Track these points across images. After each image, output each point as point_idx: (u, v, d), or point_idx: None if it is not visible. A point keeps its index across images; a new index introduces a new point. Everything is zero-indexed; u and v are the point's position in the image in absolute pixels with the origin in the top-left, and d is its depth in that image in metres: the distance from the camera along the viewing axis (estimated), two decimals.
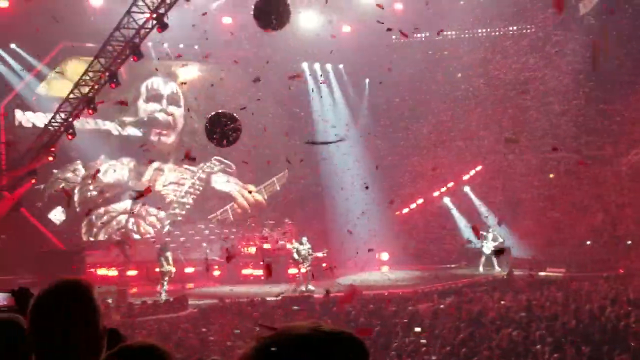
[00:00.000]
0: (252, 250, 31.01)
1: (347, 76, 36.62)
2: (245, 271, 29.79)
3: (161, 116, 33.21)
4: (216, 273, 29.85)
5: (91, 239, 31.07)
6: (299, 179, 33.73)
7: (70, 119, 24.54)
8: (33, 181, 27.26)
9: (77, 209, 31.00)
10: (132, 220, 31.92)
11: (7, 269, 25.16)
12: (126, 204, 31.72)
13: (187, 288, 27.02)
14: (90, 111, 23.80)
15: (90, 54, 30.24)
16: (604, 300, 18.21)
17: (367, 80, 36.41)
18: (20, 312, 3.67)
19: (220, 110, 17.34)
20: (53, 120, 25.09)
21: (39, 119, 29.44)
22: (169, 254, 25.23)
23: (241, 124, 15.78)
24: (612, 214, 30.37)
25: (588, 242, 29.71)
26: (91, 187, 30.91)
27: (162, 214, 32.65)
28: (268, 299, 23.14)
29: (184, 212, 33.39)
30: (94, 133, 30.86)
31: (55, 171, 28.04)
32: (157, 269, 25.41)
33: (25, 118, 30.42)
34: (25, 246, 26.78)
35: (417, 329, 15.78)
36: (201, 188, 33.81)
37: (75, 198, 30.80)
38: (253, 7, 14.74)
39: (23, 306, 3.70)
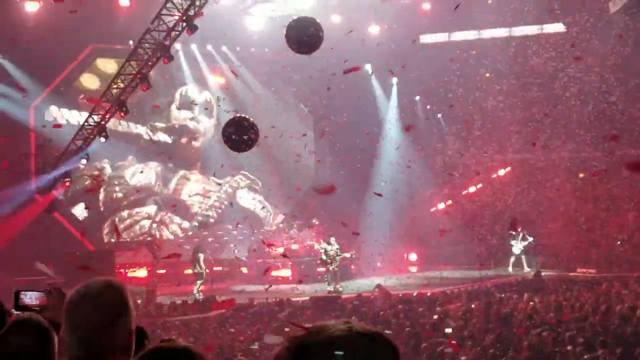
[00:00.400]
0: (280, 250, 31.06)
1: (375, 76, 36.60)
2: (274, 272, 29.84)
3: (192, 124, 33.44)
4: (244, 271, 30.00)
5: (112, 240, 31.14)
6: (328, 179, 33.75)
7: (103, 122, 24.77)
8: (67, 184, 27.50)
9: (102, 209, 31.27)
10: (155, 226, 32.03)
11: (38, 269, 25.44)
12: (150, 209, 31.94)
13: (216, 288, 27.08)
14: (122, 114, 24.01)
15: (119, 56, 30.76)
16: (635, 300, 18.02)
17: (394, 80, 36.38)
18: (51, 311, 3.69)
19: (239, 115, 17.38)
20: (86, 123, 25.35)
21: (74, 117, 29.73)
22: (201, 256, 25.59)
23: (258, 132, 15.81)
24: None
25: (618, 242, 29.41)
26: (117, 189, 31.09)
27: (185, 223, 32.83)
28: (296, 299, 23.15)
29: (205, 224, 33.50)
30: (124, 135, 31.13)
31: (82, 167, 28.07)
32: (191, 271, 25.86)
33: (60, 114, 30.78)
34: (56, 247, 27.01)
35: (448, 330, 15.70)
36: (226, 202, 33.76)
37: (100, 197, 31.00)
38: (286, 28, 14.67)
39: (55, 305, 3.73)
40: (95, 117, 24.86)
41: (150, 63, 22.05)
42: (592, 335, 14.10)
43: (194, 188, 33.13)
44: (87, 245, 29.59)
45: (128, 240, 31.29)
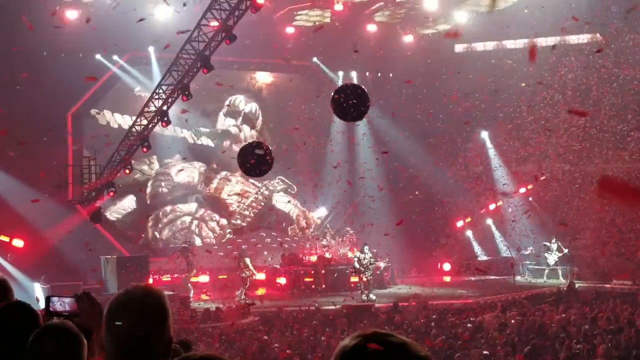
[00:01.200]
0: (314, 259, 31.08)
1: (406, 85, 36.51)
2: (307, 279, 29.85)
3: (234, 130, 34.31)
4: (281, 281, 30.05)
5: (156, 233, 32.19)
6: (361, 188, 33.74)
7: (146, 132, 25.02)
8: (111, 194, 27.73)
9: (148, 202, 32.25)
10: (195, 222, 32.87)
11: (75, 274, 25.75)
12: (192, 206, 32.92)
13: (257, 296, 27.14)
14: (163, 124, 24.26)
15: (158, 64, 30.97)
16: None
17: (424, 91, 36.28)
18: (82, 317, 3.74)
19: (254, 142, 17.62)
20: (129, 134, 25.63)
21: (126, 122, 30.45)
22: (247, 260, 26.52)
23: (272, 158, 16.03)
24: None
25: None
26: (163, 184, 32.25)
27: (223, 221, 33.43)
28: (328, 307, 23.16)
29: (244, 224, 34.09)
30: (170, 138, 31.48)
31: (133, 161, 28.49)
32: (240, 274, 26.67)
33: (113, 119, 31.61)
34: (92, 252, 27.30)
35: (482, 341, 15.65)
36: (263, 204, 34.63)
37: (148, 190, 32.07)
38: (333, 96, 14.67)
39: (85, 311, 3.78)
40: (138, 128, 25.11)
41: (190, 74, 22.24)
42: (627, 348, 13.99)
43: (234, 189, 34.00)
44: (122, 252, 29.85)
45: (165, 234, 32.49)
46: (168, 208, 32.55)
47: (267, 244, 33.03)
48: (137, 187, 31.55)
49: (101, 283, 25.78)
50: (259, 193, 34.62)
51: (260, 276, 29.37)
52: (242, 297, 25.97)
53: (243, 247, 28.86)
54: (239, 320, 22.01)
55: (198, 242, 32.42)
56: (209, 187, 33.61)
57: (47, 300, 3.86)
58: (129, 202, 31.67)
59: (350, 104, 14.06)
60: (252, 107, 34.74)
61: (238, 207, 34.05)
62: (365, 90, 14.60)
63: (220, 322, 21.71)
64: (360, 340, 2.04)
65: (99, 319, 3.26)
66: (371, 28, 32.65)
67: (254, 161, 15.77)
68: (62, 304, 3.86)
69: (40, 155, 26.49)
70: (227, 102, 34.35)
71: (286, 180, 34.80)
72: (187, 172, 33.09)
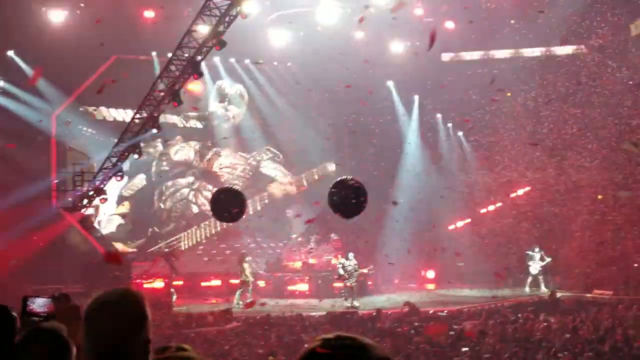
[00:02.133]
0: (298, 264, 31.11)
1: (397, 93, 36.63)
2: (290, 287, 29.87)
3: (221, 111, 36.32)
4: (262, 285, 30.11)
5: (161, 204, 34.81)
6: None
7: (137, 140, 24.95)
8: (102, 201, 27.59)
9: (153, 179, 34.90)
10: (192, 193, 35.55)
11: (56, 277, 25.60)
12: (189, 179, 35.71)
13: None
14: (155, 130, 24.26)
15: (143, 67, 31.02)
16: None
17: (416, 97, 36.44)
18: (59, 318, 3.74)
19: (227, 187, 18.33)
20: (121, 140, 25.52)
21: (120, 115, 32.43)
22: (245, 265, 27.04)
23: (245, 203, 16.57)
24: None
25: (635, 265, 29.24)
26: (164, 164, 35.16)
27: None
28: (312, 314, 23.18)
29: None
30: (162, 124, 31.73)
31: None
32: (238, 279, 27.35)
33: (108, 113, 33.05)
34: (74, 256, 27.18)
35: (465, 349, 15.69)
36: (251, 173, 36.70)
37: (152, 170, 34.91)
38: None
39: (62, 313, 3.78)
40: (130, 134, 25.03)
41: (182, 80, 22.24)
42: (608, 358, 14.07)
43: (225, 162, 36.44)
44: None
45: (169, 205, 35.26)
46: (170, 182, 35.41)
47: (251, 249, 33.00)
48: (146, 166, 34.56)
49: (83, 287, 25.63)
50: (247, 164, 36.52)
51: (303, 287, 29.61)
52: (239, 302, 26.21)
53: (242, 251, 29.11)
54: (222, 325, 21.99)
55: (195, 209, 35.11)
56: (202, 162, 36.06)
57: (24, 300, 3.85)
58: (139, 180, 34.58)
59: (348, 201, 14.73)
60: (238, 88, 36.08)
61: (229, 177, 36.07)
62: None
63: (202, 327, 21.68)
64: (319, 344, 2.08)
65: (76, 320, 3.26)
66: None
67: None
68: (39, 305, 3.85)
69: (22, 160, 26.46)
70: (215, 86, 35.85)
71: (272, 150, 36.44)
72: (184, 151, 35.73)
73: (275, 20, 31.39)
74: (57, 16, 28.29)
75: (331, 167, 36.18)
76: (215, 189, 17.32)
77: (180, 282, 29.37)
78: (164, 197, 35.34)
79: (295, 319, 21.94)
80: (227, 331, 21.14)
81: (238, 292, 26.56)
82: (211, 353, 16.53)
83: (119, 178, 26.72)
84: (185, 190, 35.69)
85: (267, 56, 33.93)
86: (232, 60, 33.99)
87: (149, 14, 29.08)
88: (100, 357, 2.93)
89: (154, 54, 31.91)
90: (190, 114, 34.99)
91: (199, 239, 34.36)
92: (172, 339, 17.61)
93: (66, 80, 29.48)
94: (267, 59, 34.48)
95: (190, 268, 30.62)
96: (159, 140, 34.21)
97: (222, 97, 35.98)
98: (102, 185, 26.60)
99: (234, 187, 17.69)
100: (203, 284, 30.51)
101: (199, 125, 36.05)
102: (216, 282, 30.47)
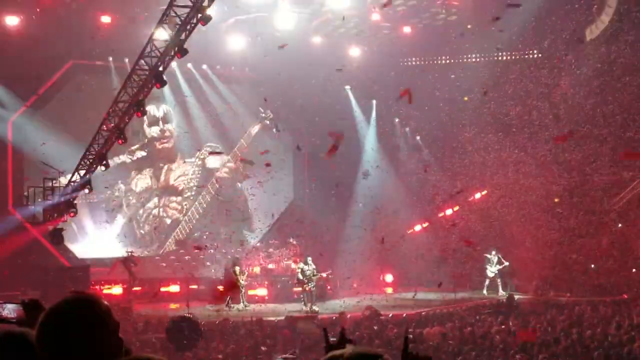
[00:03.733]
0: (257, 269, 31.08)
1: (355, 97, 36.76)
2: (249, 292, 29.80)
3: (156, 133, 36.34)
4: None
5: (141, 231, 35.62)
6: (305, 200, 33.94)
7: (104, 151, 24.71)
8: (72, 215, 27.17)
9: (128, 214, 35.55)
10: (161, 210, 36.42)
11: (13, 284, 25.30)
12: (154, 201, 36.49)
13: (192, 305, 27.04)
14: (120, 141, 24.04)
15: (99, 72, 30.82)
16: (607, 325, 18.23)
17: (374, 102, 36.62)
18: (29, 325, 3.72)
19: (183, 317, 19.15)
20: (88, 153, 25.24)
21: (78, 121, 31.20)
22: (237, 269, 27.85)
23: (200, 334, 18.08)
24: (617, 240, 30.32)
25: (592, 266, 29.67)
26: (131, 198, 35.92)
27: (179, 198, 36.68)
28: (271, 318, 23.18)
29: (193, 194, 36.79)
30: (114, 167, 31.36)
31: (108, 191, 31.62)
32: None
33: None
34: (31, 262, 26.89)
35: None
36: (200, 172, 37.26)
37: (124, 208, 35.81)
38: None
39: (32, 318, 3.76)
40: (96, 147, 24.77)
41: (146, 90, 22.10)
42: (565, 358, 14.26)
43: (177, 173, 37.14)
44: (62, 262, 29.42)
45: (147, 228, 36.00)
46: (140, 211, 36.23)
47: (210, 254, 32.89)
48: (119, 208, 35.48)
49: (40, 293, 25.34)
50: (195, 165, 37.22)
51: (262, 291, 29.69)
52: (229, 305, 27.33)
53: (236, 256, 29.31)
54: None
55: (168, 221, 36.14)
56: (160, 182, 36.65)
57: None
58: (119, 221, 35.32)
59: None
60: (163, 108, 36.22)
61: (185, 184, 36.89)
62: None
63: (162, 333, 21.53)
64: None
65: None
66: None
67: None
68: (8, 311, 3.83)
69: None
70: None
71: (212, 144, 36.43)
72: (143, 180, 36.32)
73: (233, 25, 31.38)
74: (12, 21, 27.95)
75: (254, 129, 36.73)
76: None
77: (139, 288, 29.19)
78: (141, 224, 36.33)
79: (255, 324, 21.92)
80: None
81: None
82: (171, 358, 16.45)
83: (87, 190, 26.41)
84: (155, 211, 36.68)
85: (224, 61, 33.92)
86: (190, 65, 33.86)
87: (105, 19, 28.88)
88: None
89: (110, 59, 31.72)
90: (133, 147, 35.12)
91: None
92: (132, 345, 17.50)
93: (22, 85, 29.17)
94: (224, 64, 34.48)
95: (149, 274, 30.43)
96: (120, 181, 34.98)
97: (154, 121, 36.10)
98: (72, 199, 26.33)
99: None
100: (162, 289, 30.31)
101: (144, 153, 36.29)
102: (175, 288, 30.29)
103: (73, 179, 26.03)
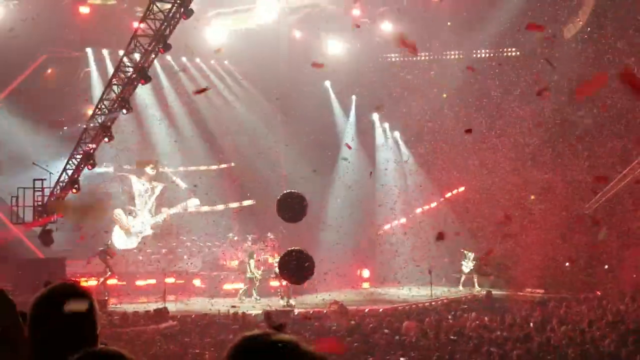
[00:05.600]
0: (235, 263, 31.06)
1: (334, 93, 36.73)
2: (226, 286, 29.80)
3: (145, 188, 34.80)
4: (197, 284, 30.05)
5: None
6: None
7: (92, 151, 24.59)
8: (60, 215, 26.83)
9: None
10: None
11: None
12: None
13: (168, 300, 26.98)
14: (107, 139, 23.96)
15: (75, 64, 30.64)
16: (581, 322, 18.38)
17: (353, 97, 36.61)
18: None
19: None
20: (75, 152, 25.09)
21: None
22: (252, 262, 27.99)
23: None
24: (592, 237, 30.54)
25: (567, 264, 29.87)
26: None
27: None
28: (248, 312, 23.19)
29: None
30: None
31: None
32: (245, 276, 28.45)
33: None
34: (2, 255, 26.74)
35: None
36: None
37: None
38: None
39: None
40: (83, 146, 24.64)
41: (131, 87, 22.04)
42: (538, 354, 14.37)
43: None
44: (37, 254, 29.24)
45: None
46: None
47: (187, 247, 32.85)
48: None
49: (13, 286, 25.16)
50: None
51: (238, 285, 29.60)
52: (242, 298, 27.50)
53: (252, 250, 29.15)
54: (157, 324, 21.85)
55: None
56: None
57: None
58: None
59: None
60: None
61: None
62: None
63: (137, 327, 21.50)
64: (243, 341, 2.16)
65: (11, 316, 3.24)
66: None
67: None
68: None
69: None
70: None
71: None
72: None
73: (213, 18, 31.31)
74: None
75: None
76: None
77: (116, 281, 29.12)
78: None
79: (232, 318, 21.93)
80: (163, 330, 21.01)
81: (243, 289, 27.31)
82: (147, 352, 16.43)
83: (74, 190, 26.20)
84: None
85: (205, 54, 33.82)
86: (169, 57, 33.73)
87: (84, 9, 28.72)
88: (49, 348, 2.93)
89: (89, 50, 31.50)
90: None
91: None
92: (108, 338, 17.45)
93: None
94: (204, 57, 34.37)
95: (126, 267, 30.36)
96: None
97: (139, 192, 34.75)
98: (61, 199, 26.15)
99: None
100: (138, 282, 30.25)
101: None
102: (151, 281, 30.22)
103: (61, 179, 25.86)
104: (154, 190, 34.06)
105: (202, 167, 34.95)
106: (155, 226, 33.75)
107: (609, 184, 29.78)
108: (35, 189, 26.49)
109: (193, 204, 34.18)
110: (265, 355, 2.14)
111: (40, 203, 26.12)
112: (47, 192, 26.03)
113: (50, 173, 26.69)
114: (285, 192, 18.59)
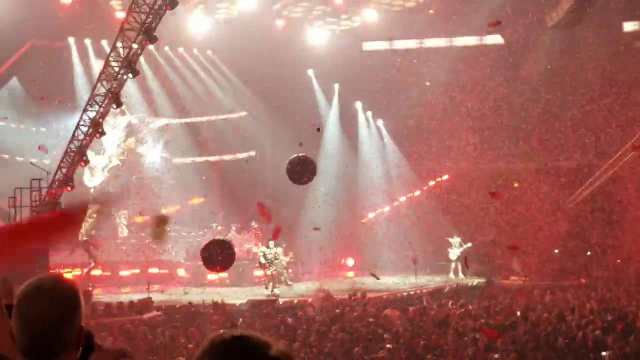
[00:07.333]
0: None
1: (317, 82, 36.64)
2: (210, 276, 29.71)
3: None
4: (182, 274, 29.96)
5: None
6: (268, 183, 33.90)
7: (84, 148, 24.40)
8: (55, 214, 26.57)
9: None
10: None
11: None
12: None
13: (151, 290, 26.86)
14: (97, 135, 23.80)
15: (60, 54, 30.41)
16: (565, 309, 18.45)
17: (336, 86, 36.52)
18: None
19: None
20: (69, 150, 24.86)
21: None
22: (280, 250, 27.14)
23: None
24: (579, 225, 30.70)
25: (556, 251, 29.99)
26: None
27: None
28: (233, 302, 23.17)
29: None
30: None
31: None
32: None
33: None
34: None
35: (386, 336, 15.86)
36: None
37: None
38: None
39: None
40: (77, 143, 24.42)
41: (120, 82, 21.88)
42: (522, 341, 14.42)
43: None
44: None
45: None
46: None
47: (171, 238, 32.69)
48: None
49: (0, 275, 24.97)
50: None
51: (222, 274, 29.39)
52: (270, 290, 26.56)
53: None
54: (142, 315, 21.77)
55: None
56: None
57: None
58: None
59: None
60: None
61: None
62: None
63: (122, 317, 21.42)
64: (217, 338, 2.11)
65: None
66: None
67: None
68: None
69: None
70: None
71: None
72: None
73: (196, 7, 31.16)
74: None
75: None
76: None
77: (99, 271, 28.99)
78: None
79: (216, 308, 21.88)
80: (147, 320, 20.94)
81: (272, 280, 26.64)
82: (132, 343, 16.37)
83: (69, 188, 25.96)
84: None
85: (187, 43, 33.64)
86: (151, 47, 33.48)
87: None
88: (33, 342, 2.89)
89: (71, 40, 31.24)
90: None
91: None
92: (93, 329, 17.36)
93: None
94: (187, 47, 34.18)
95: (110, 257, 30.21)
96: None
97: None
98: (57, 194, 25.94)
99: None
100: (122, 273, 30.13)
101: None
102: (135, 271, 30.10)
103: (56, 177, 25.63)
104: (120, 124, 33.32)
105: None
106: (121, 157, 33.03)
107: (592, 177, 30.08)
108: (33, 189, 26.39)
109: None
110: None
111: (37, 203, 26.00)
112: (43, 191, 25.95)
113: (49, 173, 26.54)
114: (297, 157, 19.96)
